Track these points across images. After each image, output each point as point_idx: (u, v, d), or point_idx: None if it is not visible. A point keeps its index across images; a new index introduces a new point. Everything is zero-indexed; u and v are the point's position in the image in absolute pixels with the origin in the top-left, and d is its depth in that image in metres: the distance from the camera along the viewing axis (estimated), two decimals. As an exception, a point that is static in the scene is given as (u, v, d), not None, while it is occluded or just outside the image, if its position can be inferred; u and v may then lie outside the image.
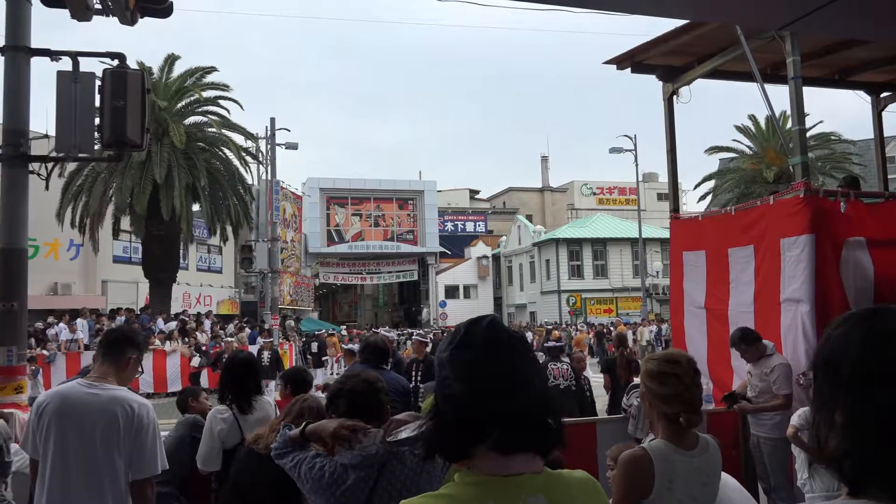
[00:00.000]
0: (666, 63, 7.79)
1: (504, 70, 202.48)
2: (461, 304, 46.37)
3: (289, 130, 32.44)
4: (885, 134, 8.87)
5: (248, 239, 26.71)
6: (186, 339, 20.68)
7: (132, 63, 6.79)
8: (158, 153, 22.85)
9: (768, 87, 6.87)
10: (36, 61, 6.49)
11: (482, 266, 50.01)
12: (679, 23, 6.59)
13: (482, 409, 1.29)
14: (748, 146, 32.36)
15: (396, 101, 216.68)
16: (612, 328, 29.55)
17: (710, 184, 33.47)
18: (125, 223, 25.01)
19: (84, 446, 2.96)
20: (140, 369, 3.38)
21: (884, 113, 8.65)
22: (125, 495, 3.01)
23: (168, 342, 19.71)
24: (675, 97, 7.96)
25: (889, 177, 8.75)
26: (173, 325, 21.86)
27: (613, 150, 32.29)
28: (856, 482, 0.99)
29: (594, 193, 60.37)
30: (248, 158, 26.49)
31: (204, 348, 19.59)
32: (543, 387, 1.41)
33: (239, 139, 25.90)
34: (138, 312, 23.91)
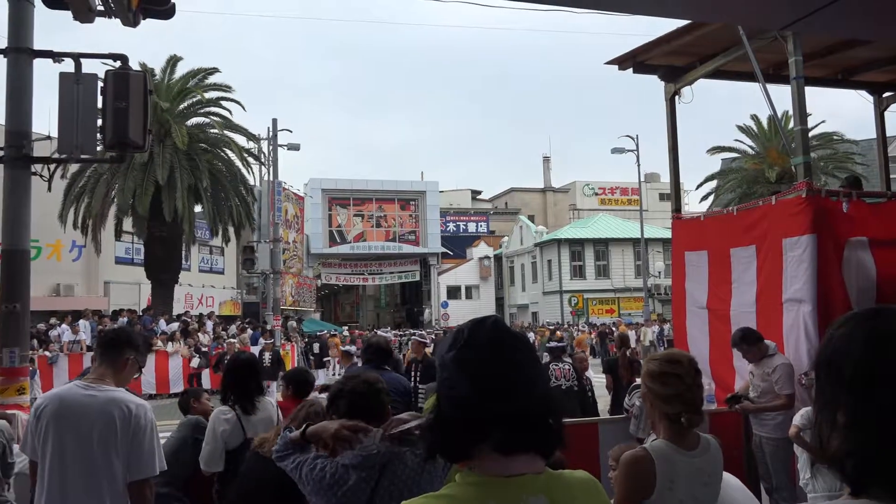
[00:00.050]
0: (668, 63, 7.79)
1: (504, 70, 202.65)
2: (463, 304, 46.38)
3: (291, 131, 32.43)
4: (888, 134, 8.86)
5: (251, 240, 26.76)
6: (188, 340, 20.70)
7: (134, 64, 6.80)
8: (161, 154, 22.87)
9: (770, 87, 6.87)
10: (38, 63, 6.51)
11: (484, 266, 50.01)
12: (681, 23, 6.59)
13: (485, 409, 1.30)
14: (750, 146, 32.31)
15: (398, 102, 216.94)
16: (614, 328, 29.53)
17: (713, 184, 33.43)
18: (127, 224, 25.05)
19: (82, 448, 2.97)
20: (138, 370, 3.37)
21: (886, 113, 8.65)
22: (123, 496, 3.01)
23: (170, 343, 19.73)
24: (677, 97, 7.96)
25: (891, 177, 8.74)
26: (175, 326, 21.88)
27: (615, 151, 32.29)
28: (858, 482, 0.99)
29: (596, 194, 60.33)
30: (251, 159, 26.54)
31: (203, 349, 19.59)
32: (546, 387, 1.41)
33: (241, 140, 25.94)
34: (140, 313, 23.95)
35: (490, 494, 1.28)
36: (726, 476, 2.78)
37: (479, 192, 66.61)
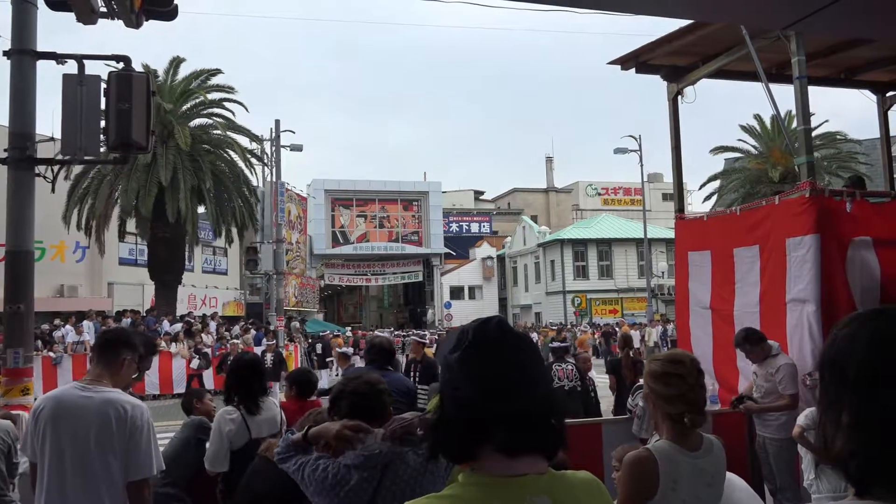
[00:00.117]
0: (670, 63, 7.78)
1: (506, 70, 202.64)
2: (466, 304, 46.37)
3: (293, 132, 32.50)
4: (892, 133, 8.82)
5: (254, 241, 26.81)
6: (189, 342, 20.73)
7: (137, 66, 6.82)
8: (164, 155, 22.91)
9: (773, 86, 6.86)
10: (42, 64, 6.52)
11: (487, 267, 49.99)
12: (683, 23, 6.59)
13: (488, 410, 1.30)
14: (753, 146, 32.23)
15: (400, 103, 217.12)
16: (617, 328, 29.49)
17: (716, 184, 33.35)
18: (131, 225, 25.09)
19: (79, 449, 2.98)
20: (137, 370, 3.38)
21: (890, 112, 8.62)
22: (122, 497, 3.02)
23: (174, 344, 19.75)
24: (679, 97, 7.95)
25: (895, 176, 8.71)
26: (179, 326, 21.90)
27: (618, 151, 32.26)
28: (862, 483, 0.99)
29: (599, 194, 60.29)
30: (253, 160, 26.56)
31: (203, 350, 19.59)
32: (549, 388, 1.41)
33: (244, 141, 25.98)
34: (144, 314, 24.00)
35: (493, 495, 1.28)
36: (731, 476, 2.77)
37: (482, 193, 66.61)
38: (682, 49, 7.31)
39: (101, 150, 7.00)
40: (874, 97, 8.56)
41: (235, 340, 19.93)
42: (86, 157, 6.65)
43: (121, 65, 6.49)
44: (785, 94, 7.22)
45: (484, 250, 50.59)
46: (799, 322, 5.91)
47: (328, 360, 24.05)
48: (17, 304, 6.18)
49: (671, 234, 9.39)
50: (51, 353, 18.39)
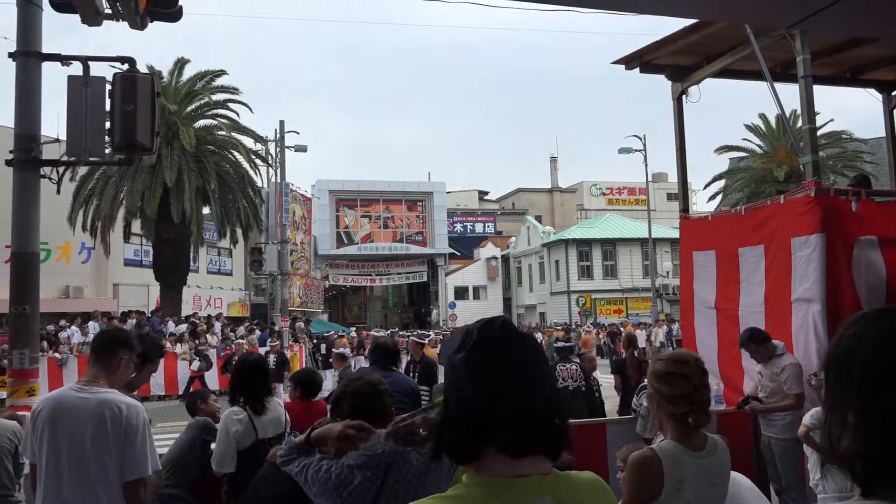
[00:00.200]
0: (675, 63, 7.76)
1: (509, 70, 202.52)
2: (471, 305, 46.36)
3: (298, 133, 32.59)
4: (897, 132, 8.78)
5: (258, 241, 26.82)
6: (189, 343, 20.77)
7: (142, 67, 6.83)
8: (169, 156, 22.98)
9: (778, 85, 6.83)
10: (47, 66, 6.54)
11: (491, 267, 49.98)
12: (688, 22, 6.57)
13: (493, 410, 1.30)
14: (758, 145, 32.15)
15: (402, 103, 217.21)
16: (621, 329, 29.45)
17: (720, 183, 33.30)
18: (136, 226, 25.17)
19: (75, 449, 3.00)
20: (134, 370, 3.38)
21: (895, 111, 8.59)
22: (119, 497, 3.03)
23: (179, 345, 19.79)
24: (684, 97, 7.94)
25: (901, 175, 8.67)
26: (184, 327, 21.96)
27: (622, 151, 32.20)
28: (868, 483, 0.99)
29: (603, 194, 60.23)
30: (258, 161, 26.62)
31: (203, 351, 19.62)
32: (553, 388, 1.41)
33: (248, 142, 26.05)
34: (149, 315, 24.06)
35: (497, 495, 1.28)
36: (738, 477, 2.77)
37: (486, 193, 66.59)
38: (686, 48, 7.29)
39: (106, 151, 7.02)
40: (879, 96, 8.53)
41: (240, 341, 19.97)
42: (91, 159, 6.67)
43: (125, 66, 6.51)
44: (790, 94, 7.19)
45: (488, 250, 50.58)
46: (804, 322, 5.89)
47: (332, 360, 24.08)
48: (23, 306, 6.20)
49: (676, 234, 9.40)
50: (56, 354, 18.47)
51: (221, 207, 25.10)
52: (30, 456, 3.14)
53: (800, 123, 7.25)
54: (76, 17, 6.23)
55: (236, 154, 25.76)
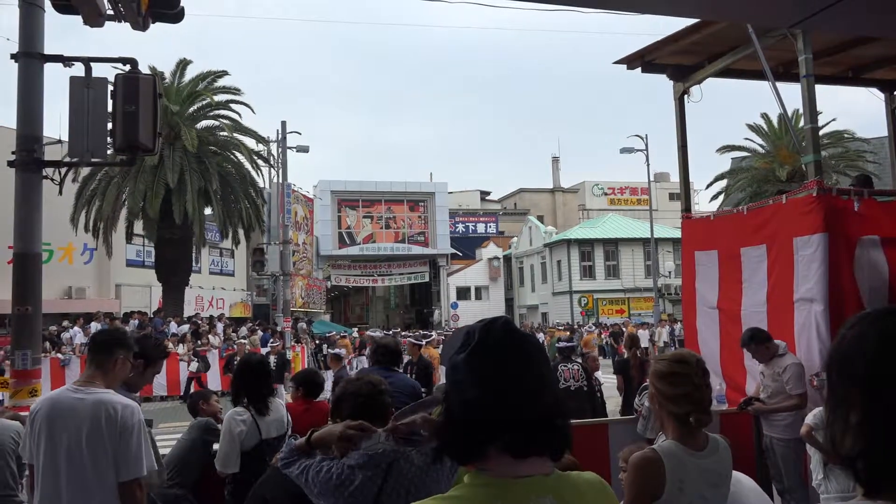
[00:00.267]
0: (676, 62, 7.76)
1: (510, 70, 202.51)
2: (473, 305, 46.36)
3: (300, 133, 32.58)
4: (900, 131, 8.76)
5: (260, 242, 26.83)
6: (199, 342, 20.79)
7: (144, 68, 6.84)
8: (171, 157, 23.00)
9: (780, 85, 6.83)
10: (49, 67, 6.55)
11: (493, 267, 49.98)
12: (689, 22, 6.57)
13: (495, 411, 1.30)
14: (760, 145, 32.11)
15: (403, 103, 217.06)
16: (623, 329, 29.43)
17: (722, 183, 33.24)
18: (138, 227, 25.19)
19: (72, 450, 3.01)
20: (132, 368, 3.39)
21: (897, 110, 8.58)
22: (114, 497, 3.04)
23: (181, 345, 19.82)
24: (685, 96, 7.93)
25: (903, 174, 8.67)
26: (186, 328, 21.98)
27: (624, 151, 32.16)
28: (870, 483, 0.98)
29: (605, 194, 60.22)
30: (260, 162, 26.64)
31: (200, 352, 19.64)
32: (555, 389, 1.41)
33: (250, 143, 26.07)
34: (151, 316, 24.09)
35: (499, 496, 1.28)
36: (741, 477, 2.76)
37: (488, 193, 66.61)
38: (688, 48, 7.28)
39: (109, 152, 7.02)
40: (881, 95, 8.52)
41: (242, 341, 19.99)
42: (93, 160, 6.67)
43: (127, 67, 6.51)
44: (792, 93, 7.18)
45: (490, 251, 50.58)
46: (807, 321, 5.88)
47: (328, 361, 24.09)
48: (26, 306, 6.20)
49: (678, 234, 9.38)
50: (59, 355, 18.50)
51: (223, 208, 25.13)
52: (28, 456, 3.15)
53: (802, 123, 7.25)
54: (78, 19, 6.24)
55: (238, 155, 25.79)
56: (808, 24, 3.21)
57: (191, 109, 25.15)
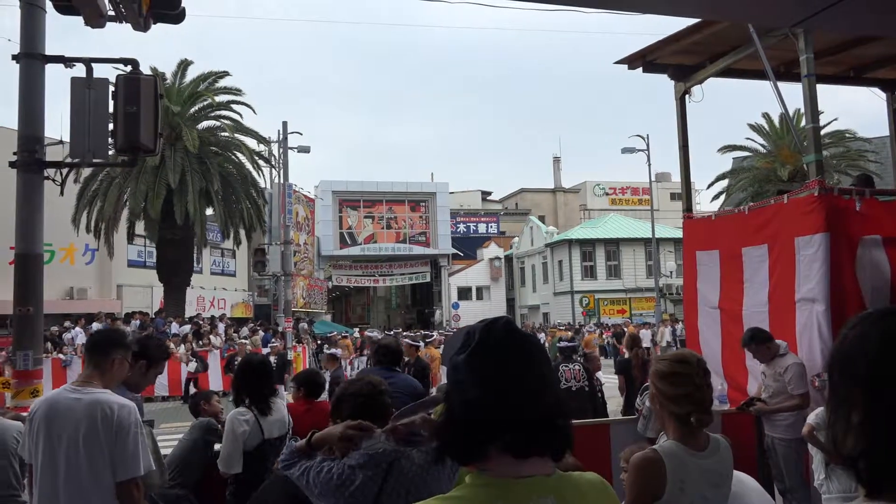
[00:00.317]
0: (677, 62, 7.75)
1: (511, 71, 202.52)
2: (474, 305, 46.35)
3: (301, 134, 32.61)
4: (901, 131, 8.75)
5: (262, 242, 26.86)
6: (200, 343, 20.80)
7: (145, 69, 6.84)
8: (172, 158, 23.01)
9: (781, 84, 6.82)
10: (50, 68, 6.56)
11: (495, 267, 49.97)
12: (690, 22, 6.56)
13: (496, 411, 1.30)
14: (762, 145, 32.09)
15: (404, 103, 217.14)
16: (624, 329, 29.41)
17: (724, 183, 33.22)
18: (139, 228, 25.22)
19: (69, 450, 3.02)
20: (129, 369, 3.39)
21: (899, 110, 8.57)
22: (112, 497, 3.04)
23: (182, 346, 19.84)
24: (687, 96, 7.92)
25: (905, 174, 8.66)
26: (187, 328, 22.00)
27: (626, 151, 32.16)
28: (872, 483, 0.98)
29: (607, 194, 60.17)
30: (261, 162, 26.66)
31: (199, 353, 19.65)
32: (556, 389, 1.41)
33: (251, 143, 26.09)
34: (153, 316, 24.11)
35: (500, 496, 1.28)
36: (743, 477, 2.76)
37: (490, 193, 66.58)
38: (689, 48, 7.28)
39: (110, 152, 7.03)
40: (883, 95, 8.51)
41: (244, 341, 20.01)
42: (94, 160, 6.67)
43: (129, 68, 6.52)
44: (793, 93, 7.17)
45: (491, 251, 50.57)
46: (808, 321, 5.87)
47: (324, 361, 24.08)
48: (27, 307, 6.21)
49: (679, 234, 9.37)
50: (60, 355, 18.52)
51: (225, 208, 25.14)
52: (26, 457, 3.16)
53: (803, 122, 7.23)
54: (79, 19, 6.24)
55: (239, 155, 25.80)
56: (810, 24, 3.21)
57: (192, 110, 25.17)
